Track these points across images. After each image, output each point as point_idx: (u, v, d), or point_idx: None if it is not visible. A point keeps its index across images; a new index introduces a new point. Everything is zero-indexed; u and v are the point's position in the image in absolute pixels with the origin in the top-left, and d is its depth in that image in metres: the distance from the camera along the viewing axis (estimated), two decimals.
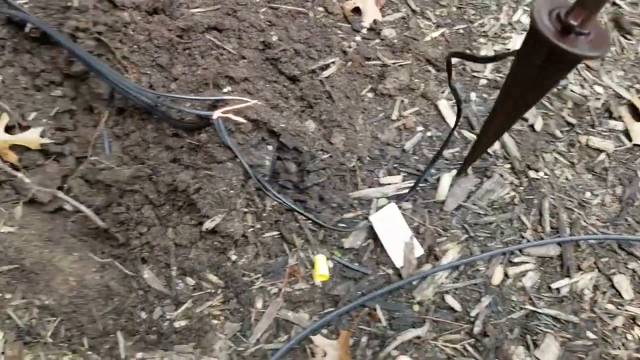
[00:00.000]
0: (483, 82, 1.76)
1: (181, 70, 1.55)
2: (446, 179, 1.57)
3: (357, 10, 1.85)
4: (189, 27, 1.59)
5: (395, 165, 1.60)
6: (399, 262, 1.46)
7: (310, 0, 1.85)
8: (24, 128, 1.53)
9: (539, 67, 0.79)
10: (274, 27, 1.73)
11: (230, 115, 1.36)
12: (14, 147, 1.50)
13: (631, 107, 1.75)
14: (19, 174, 1.43)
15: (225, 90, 1.49)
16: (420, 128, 1.67)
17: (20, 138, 1.49)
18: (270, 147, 1.44)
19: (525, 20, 1.91)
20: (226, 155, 1.36)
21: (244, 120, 1.38)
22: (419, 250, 1.49)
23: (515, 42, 1.85)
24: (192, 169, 1.39)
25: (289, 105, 1.59)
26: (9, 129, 1.51)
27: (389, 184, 1.56)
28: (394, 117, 1.68)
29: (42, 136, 1.52)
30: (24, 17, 1.49)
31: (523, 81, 0.86)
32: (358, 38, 1.80)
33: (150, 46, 1.56)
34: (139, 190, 1.42)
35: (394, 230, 1.48)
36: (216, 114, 1.34)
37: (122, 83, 1.43)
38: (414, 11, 1.90)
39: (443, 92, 1.73)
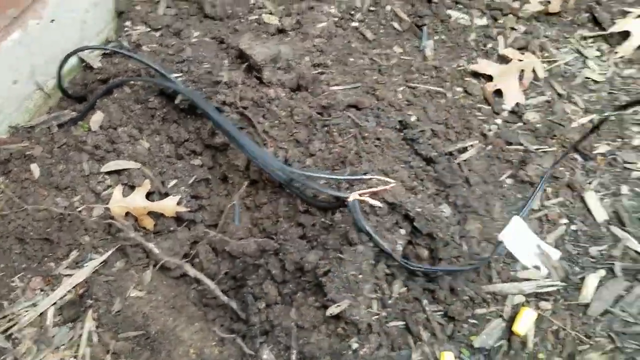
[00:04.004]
0: (636, 174, 1.60)
1: (318, 146, 1.54)
2: (592, 279, 1.42)
3: (498, 92, 1.79)
4: (330, 104, 1.60)
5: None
6: (544, 271, 1.44)
7: (448, 80, 1.82)
8: (163, 195, 1.59)
9: None
10: (412, 106, 1.71)
11: (368, 198, 1.32)
12: (150, 213, 1.56)
13: None
14: (150, 245, 1.47)
15: (363, 167, 1.46)
16: (564, 220, 1.54)
17: (159, 205, 1.54)
18: (403, 231, 1.38)
19: None
20: (359, 238, 1.31)
21: (380, 204, 1.34)
22: (555, 254, 1.45)
23: None
24: (321, 249, 1.35)
25: (424, 187, 1.53)
26: (148, 195, 1.57)
27: (528, 279, 1.43)
28: (535, 206, 1.56)
29: (178, 204, 1.56)
30: (177, 88, 1.57)
31: None
32: (499, 121, 1.73)
33: (290, 122, 1.59)
34: (263, 265, 1.40)
35: (523, 244, 1.46)
36: (353, 196, 1.31)
37: (262, 157, 1.44)
38: (559, 95, 1.80)
39: (590, 183, 1.59)
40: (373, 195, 1.34)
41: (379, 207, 1.33)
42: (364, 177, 1.39)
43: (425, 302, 1.38)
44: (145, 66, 1.68)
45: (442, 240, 1.40)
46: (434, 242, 1.40)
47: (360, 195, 1.31)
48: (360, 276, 1.28)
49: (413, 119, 1.65)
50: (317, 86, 1.67)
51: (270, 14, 1.98)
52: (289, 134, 1.57)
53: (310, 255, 1.33)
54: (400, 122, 1.63)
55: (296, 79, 1.64)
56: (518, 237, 1.46)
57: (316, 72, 1.73)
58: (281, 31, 1.91)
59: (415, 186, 1.49)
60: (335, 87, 1.70)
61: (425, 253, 1.40)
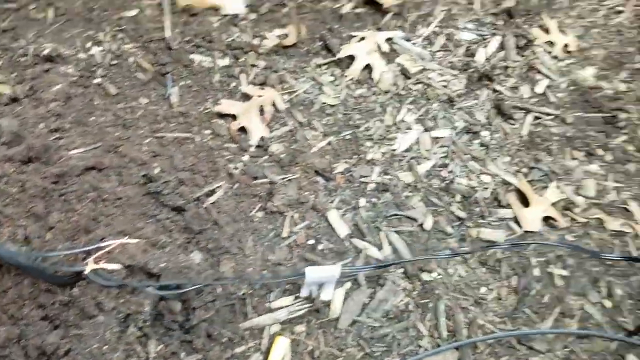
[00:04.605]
0: (371, 186, 1.77)
1: (57, 217, 1.50)
2: (339, 294, 1.54)
3: (244, 130, 1.87)
4: (64, 172, 1.57)
5: (287, 286, 1.56)
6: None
7: (196, 125, 1.87)
8: None
9: None
10: (158, 157, 1.73)
11: (105, 264, 1.31)
12: None
13: (518, 192, 1.78)
14: None
15: (99, 233, 1.44)
16: (311, 242, 1.65)
17: None
18: (150, 289, 1.38)
19: (410, 118, 1.95)
20: (98, 308, 1.30)
21: (118, 267, 1.33)
22: (326, 295, 1.50)
23: (400, 142, 1.88)
24: (62, 327, 1.32)
25: (172, 239, 1.55)
26: None
27: (280, 307, 1.52)
28: (284, 234, 1.65)
29: None
30: None
31: None
32: (245, 157, 1.81)
33: (24, 197, 1.52)
34: (8, 355, 1.34)
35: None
36: (88, 268, 1.29)
37: None
38: (300, 123, 1.93)
39: (332, 202, 1.72)
40: (110, 260, 1.33)
41: (117, 271, 1.33)
42: (101, 244, 1.38)
43: (183, 354, 1.41)
44: None
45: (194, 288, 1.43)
46: (186, 292, 1.42)
47: (95, 262, 1.30)
48: (106, 347, 1.28)
49: (157, 170, 1.67)
50: (54, 153, 1.62)
51: (2, 83, 1.89)
52: (25, 210, 1.51)
53: (51, 337, 1.30)
54: (144, 176, 1.65)
55: (26, 151, 1.59)
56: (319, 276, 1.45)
57: (53, 138, 1.69)
58: (15, 100, 1.83)
59: (160, 240, 1.51)
60: (75, 151, 1.67)
61: (178, 306, 1.42)
